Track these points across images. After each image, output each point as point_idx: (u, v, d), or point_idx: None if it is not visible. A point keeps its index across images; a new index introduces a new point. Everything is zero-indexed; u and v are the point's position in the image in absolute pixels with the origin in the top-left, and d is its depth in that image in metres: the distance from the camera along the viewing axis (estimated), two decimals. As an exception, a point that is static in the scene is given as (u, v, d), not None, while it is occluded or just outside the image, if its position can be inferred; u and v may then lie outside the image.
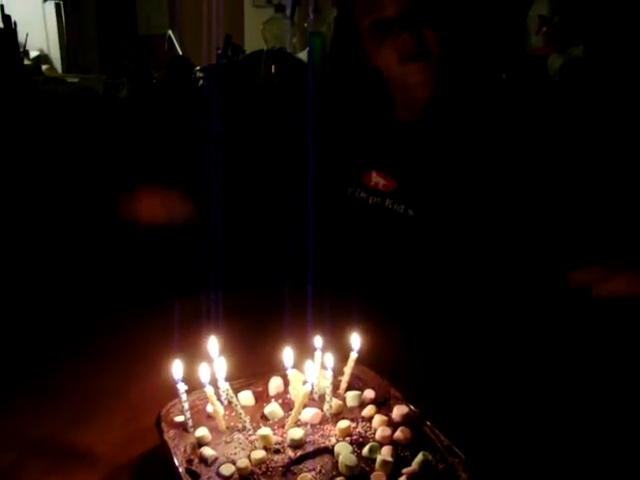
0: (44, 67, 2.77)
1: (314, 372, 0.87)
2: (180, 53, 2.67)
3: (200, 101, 2.21)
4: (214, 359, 0.85)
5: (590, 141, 1.64)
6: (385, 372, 0.92)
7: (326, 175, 1.39)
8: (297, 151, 1.42)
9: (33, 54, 3.33)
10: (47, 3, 3.85)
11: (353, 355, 0.89)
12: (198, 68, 2.49)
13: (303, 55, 2.61)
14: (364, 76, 1.32)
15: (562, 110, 2.37)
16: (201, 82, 2.36)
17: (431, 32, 1.20)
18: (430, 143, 1.28)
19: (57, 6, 3.86)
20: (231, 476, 0.74)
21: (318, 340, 0.89)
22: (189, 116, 2.07)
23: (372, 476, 0.74)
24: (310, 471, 0.75)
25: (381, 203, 1.30)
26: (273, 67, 2.42)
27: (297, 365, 0.88)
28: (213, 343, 0.87)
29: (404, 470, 0.75)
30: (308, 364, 0.86)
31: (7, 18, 2.65)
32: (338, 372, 0.90)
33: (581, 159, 1.57)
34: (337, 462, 0.76)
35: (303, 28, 2.77)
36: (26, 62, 3.02)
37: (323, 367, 0.87)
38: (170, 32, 2.71)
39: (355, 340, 0.90)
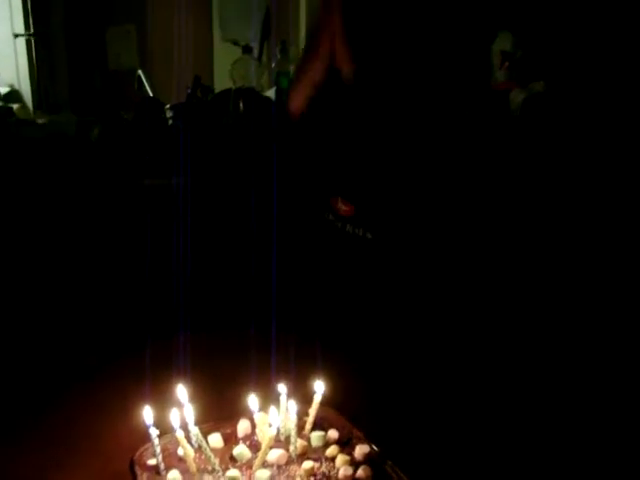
0: (15, 106, 2.79)
1: (279, 415, 0.91)
2: (150, 93, 2.72)
3: (170, 141, 2.26)
4: (184, 404, 0.89)
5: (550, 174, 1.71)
6: (348, 413, 0.97)
7: (297, 206, 1.42)
8: (264, 185, 1.46)
9: (4, 89, 3.35)
10: (18, 39, 3.86)
11: (317, 398, 0.94)
12: (167, 106, 2.53)
13: (271, 93, 2.68)
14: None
15: (523, 144, 2.46)
16: (170, 122, 2.41)
17: None
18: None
19: (28, 42, 3.88)
20: (201, 517, 0.78)
21: (282, 386, 0.94)
22: (159, 156, 2.11)
23: (335, 514, 0.79)
24: (276, 511, 0.80)
25: (342, 227, 1.34)
26: (241, 105, 2.48)
27: (263, 408, 0.93)
28: (182, 389, 0.91)
29: (365, 508, 0.79)
30: (272, 409, 0.91)
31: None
32: (303, 413, 0.94)
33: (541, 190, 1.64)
34: (302, 502, 0.81)
35: (270, 68, 2.83)
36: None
37: (288, 411, 0.92)
38: (140, 72, 2.76)
39: (318, 384, 0.95)
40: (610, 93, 2.55)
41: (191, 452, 0.87)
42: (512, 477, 0.93)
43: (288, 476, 0.86)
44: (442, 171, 1.31)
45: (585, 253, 1.93)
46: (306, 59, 1.16)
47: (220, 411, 0.99)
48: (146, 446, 0.88)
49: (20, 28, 3.83)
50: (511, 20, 2.92)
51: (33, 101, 3.75)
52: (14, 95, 3.57)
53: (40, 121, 2.45)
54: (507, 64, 3.04)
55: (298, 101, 1.17)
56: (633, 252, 1.87)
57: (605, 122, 2.45)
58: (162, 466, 0.86)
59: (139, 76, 2.75)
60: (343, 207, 1.33)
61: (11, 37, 3.83)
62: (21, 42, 3.83)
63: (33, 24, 3.86)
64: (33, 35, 3.90)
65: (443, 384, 1.15)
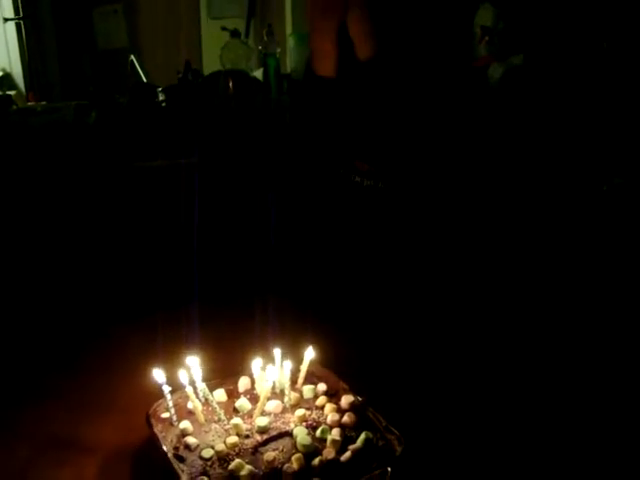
0: (13, 93, 2.87)
1: (275, 372, 1.05)
2: (143, 78, 2.81)
3: (165, 123, 2.37)
4: (192, 365, 1.02)
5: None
6: (335, 368, 1.10)
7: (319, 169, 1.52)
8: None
9: (-4, 74, 3.42)
10: (8, 23, 3.89)
11: (307, 356, 1.07)
12: (160, 89, 2.62)
13: (258, 74, 2.77)
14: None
15: (501, 117, 2.56)
16: (164, 104, 2.51)
17: None
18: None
19: (17, 25, 3.90)
20: (211, 458, 0.91)
21: (278, 351, 1.07)
22: (156, 139, 2.22)
23: (324, 452, 0.91)
24: (274, 451, 0.93)
25: (360, 183, 1.45)
26: (231, 85, 2.58)
27: (262, 368, 1.06)
28: (191, 352, 1.04)
29: (350, 447, 0.92)
30: (269, 367, 1.04)
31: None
32: (296, 370, 1.08)
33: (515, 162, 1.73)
34: (295, 443, 0.94)
35: (258, 50, 2.92)
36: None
37: (282, 367, 1.06)
38: (132, 57, 2.86)
39: (309, 350, 1.08)
40: (588, 64, 2.64)
41: (199, 405, 1.01)
42: (488, 429, 1.05)
43: (284, 422, 0.99)
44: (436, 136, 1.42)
45: (565, 224, 2.06)
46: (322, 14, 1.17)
47: (224, 370, 1.11)
48: (159, 402, 1.01)
49: (9, 12, 3.85)
50: (493, -8, 2.98)
51: (25, 84, 3.79)
52: (7, 80, 3.62)
53: (38, 108, 2.54)
54: (487, 38, 3.10)
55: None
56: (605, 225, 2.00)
57: (585, 92, 2.55)
58: (174, 418, 0.99)
59: (132, 61, 2.83)
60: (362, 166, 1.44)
61: (1, 21, 3.86)
62: (11, 26, 3.86)
63: (22, 7, 3.88)
64: (23, 19, 3.91)
65: (424, 345, 1.29)
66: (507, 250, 1.40)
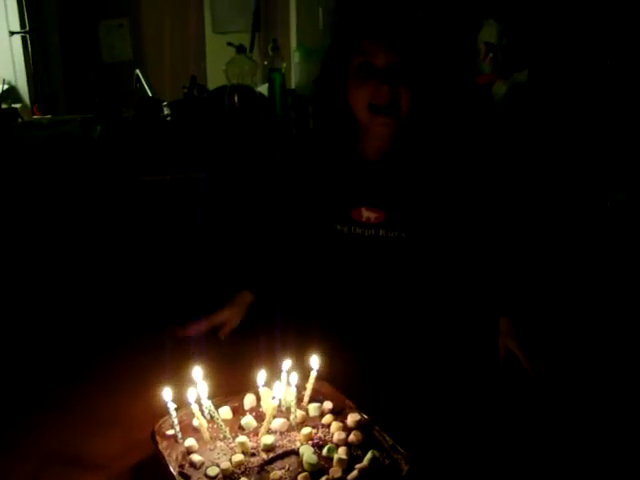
0: (18, 106, 2.88)
1: (281, 389, 1.04)
2: (149, 92, 2.82)
3: (170, 138, 2.37)
4: (197, 382, 1.02)
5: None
6: (341, 386, 1.10)
7: (307, 213, 1.52)
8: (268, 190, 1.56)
9: (1, 87, 3.42)
10: (13, 36, 3.90)
11: (313, 373, 1.07)
12: (165, 104, 2.63)
13: (263, 89, 2.78)
14: (340, 110, 1.40)
15: (506, 134, 2.56)
16: (169, 118, 2.52)
17: (406, 92, 1.31)
18: (398, 177, 1.42)
19: (23, 39, 3.90)
20: (216, 476, 0.91)
21: (285, 363, 1.06)
22: (160, 153, 2.23)
23: (330, 471, 0.91)
24: (280, 469, 0.92)
25: (376, 233, 1.45)
26: (236, 100, 2.59)
27: (267, 384, 1.06)
28: (196, 369, 1.04)
29: (357, 466, 0.91)
30: (276, 384, 1.04)
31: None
32: (302, 388, 1.07)
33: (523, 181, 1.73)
34: (302, 461, 0.93)
35: (263, 65, 2.93)
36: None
37: (288, 384, 1.05)
38: (138, 71, 2.86)
39: (314, 361, 1.08)
40: (591, 81, 2.65)
41: (205, 423, 1.00)
42: (493, 448, 1.05)
43: (290, 440, 0.99)
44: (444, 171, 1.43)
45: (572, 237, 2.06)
46: None
47: (228, 387, 1.11)
48: (164, 418, 1.00)
49: (15, 26, 3.86)
50: (497, 8, 2.99)
51: (30, 97, 3.79)
52: (12, 93, 3.62)
53: (44, 122, 2.54)
54: (491, 55, 3.10)
55: None
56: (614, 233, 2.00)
57: (588, 109, 2.55)
58: (179, 435, 0.99)
59: (137, 75, 2.84)
60: (373, 215, 1.44)
61: (7, 35, 3.87)
62: (17, 39, 3.86)
63: (28, 21, 3.89)
64: (28, 32, 3.91)
65: (427, 363, 1.29)
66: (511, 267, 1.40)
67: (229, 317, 1.41)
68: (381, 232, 1.43)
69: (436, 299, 1.47)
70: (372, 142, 1.43)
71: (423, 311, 1.46)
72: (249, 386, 1.08)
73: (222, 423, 1.00)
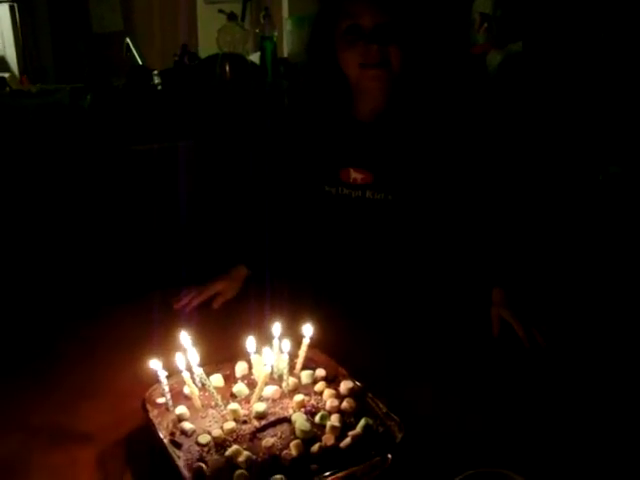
0: (7, 75, 2.83)
1: (272, 356, 1.03)
2: (139, 61, 2.77)
3: (160, 107, 2.34)
4: (187, 349, 1.00)
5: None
6: (334, 354, 1.08)
7: (297, 176, 1.51)
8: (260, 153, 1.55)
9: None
10: (1, 5, 3.83)
11: (305, 340, 1.05)
12: (156, 72, 2.59)
13: (255, 57, 2.74)
14: (332, 74, 1.40)
15: (500, 104, 2.54)
16: (160, 87, 2.48)
17: (396, 49, 1.31)
18: (388, 139, 1.41)
19: (11, 8, 3.85)
20: (207, 444, 0.89)
21: (276, 328, 1.05)
22: (150, 121, 2.20)
23: (323, 438, 0.90)
24: (272, 437, 0.91)
25: (363, 195, 1.44)
26: (228, 69, 2.55)
27: (258, 350, 1.04)
28: (186, 336, 1.02)
29: (349, 433, 0.90)
30: (266, 350, 1.02)
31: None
32: (294, 355, 1.06)
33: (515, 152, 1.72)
34: (294, 429, 0.92)
35: (254, 33, 2.88)
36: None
37: (280, 351, 1.04)
38: (128, 39, 2.82)
39: (307, 327, 1.06)
40: (586, 53, 2.63)
41: (196, 390, 0.99)
42: (487, 416, 1.04)
43: (282, 408, 0.98)
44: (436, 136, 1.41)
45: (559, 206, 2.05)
46: None
47: (220, 354, 1.10)
48: (154, 387, 0.99)
49: (2, -6, 3.79)
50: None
51: (18, 67, 3.74)
52: (1, 63, 3.57)
53: (33, 90, 2.50)
54: (485, 25, 3.08)
55: None
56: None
57: (582, 81, 2.53)
58: (170, 403, 0.97)
59: (127, 44, 2.80)
60: (360, 175, 1.43)
61: (-7, 5, 3.79)
62: (4, 8, 3.80)
63: (15, -11, 3.82)
64: (16, 1, 3.86)
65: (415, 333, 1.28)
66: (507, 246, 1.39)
67: (223, 289, 1.40)
68: (368, 194, 1.43)
69: (425, 263, 1.47)
70: (365, 103, 1.42)
71: (413, 275, 1.46)
72: (240, 353, 1.06)
73: (214, 390, 0.98)
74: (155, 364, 0.97)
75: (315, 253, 1.52)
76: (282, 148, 1.52)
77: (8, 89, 2.54)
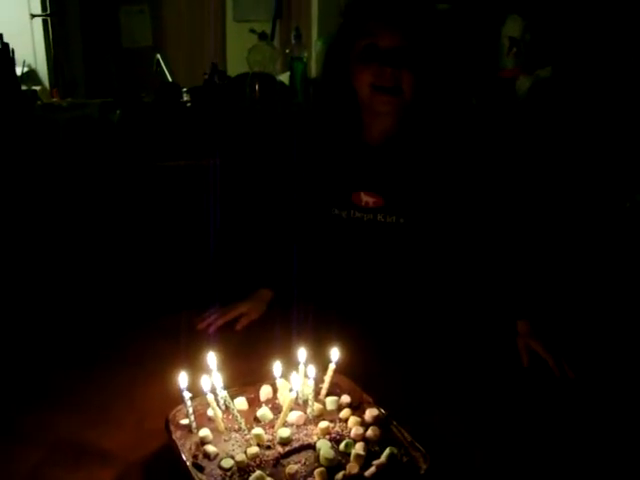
0: (38, 88, 2.87)
1: (298, 381, 1.02)
2: (169, 78, 2.80)
3: (189, 123, 2.35)
4: (213, 371, 1.00)
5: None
6: (359, 380, 1.07)
7: (308, 199, 1.52)
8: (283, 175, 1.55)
9: (20, 70, 3.42)
10: (35, 19, 3.90)
11: (332, 366, 1.04)
12: (185, 90, 2.62)
13: (284, 77, 2.75)
14: (345, 94, 1.39)
15: (529, 129, 2.52)
16: (189, 104, 2.50)
17: (408, 75, 1.31)
18: (399, 163, 1.41)
19: (44, 22, 3.91)
20: (230, 468, 0.89)
21: (302, 354, 1.04)
22: (178, 138, 2.21)
23: (347, 467, 0.89)
24: (296, 463, 0.90)
25: (374, 218, 1.45)
26: (257, 88, 2.56)
27: (284, 375, 1.03)
28: (212, 357, 1.01)
29: (374, 462, 0.89)
30: (293, 375, 1.01)
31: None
32: (319, 380, 1.05)
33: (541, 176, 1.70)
34: (318, 456, 0.91)
35: (285, 54, 2.90)
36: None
37: (306, 377, 1.03)
38: (159, 56, 2.85)
39: (334, 353, 1.05)
40: (617, 79, 2.61)
41: (220, 413, 0.98)
42: (513, 448, 1.02)
43: (306, 434, 0.96)
44: (451, 159, 1.41)
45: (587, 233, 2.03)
46: None
47: (245, 377, 1.09)
48: (178, 408, 0.98)
49: (37, 9, 3.86)
50: (521, 3, 2.96)
51: (49, 81, 3.79)
52: (32, 75, 3.62)
53: (64, 104, 2.53)
54: (514, 50, 3.07)
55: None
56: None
57: (610, 108, 2.51)
58: (194, 425, 0.96)
59: (158, 59, 2.83)
60: (372, 199, 1.43)
61: (28, 18, 3.87)
62: (38, 22, 3.86)
63: (49, 4, 3.89)
64: (50, 15, 3.92)
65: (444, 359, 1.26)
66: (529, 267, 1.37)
67: (248, 310, 1.40)
68: (379, 217, 1.43)
69: (441, 288, 1.47)
70: (376, 126, 1.42)
71: (430, 300, 1.45)
72: (265, 377, 1.05)
73: (238, 414, 0.97)
74: (181, 383, 0.96)
75: (334, 276, 1.52)
76: (296, 168, 1.52)
77: (39, 102, 2.57)
